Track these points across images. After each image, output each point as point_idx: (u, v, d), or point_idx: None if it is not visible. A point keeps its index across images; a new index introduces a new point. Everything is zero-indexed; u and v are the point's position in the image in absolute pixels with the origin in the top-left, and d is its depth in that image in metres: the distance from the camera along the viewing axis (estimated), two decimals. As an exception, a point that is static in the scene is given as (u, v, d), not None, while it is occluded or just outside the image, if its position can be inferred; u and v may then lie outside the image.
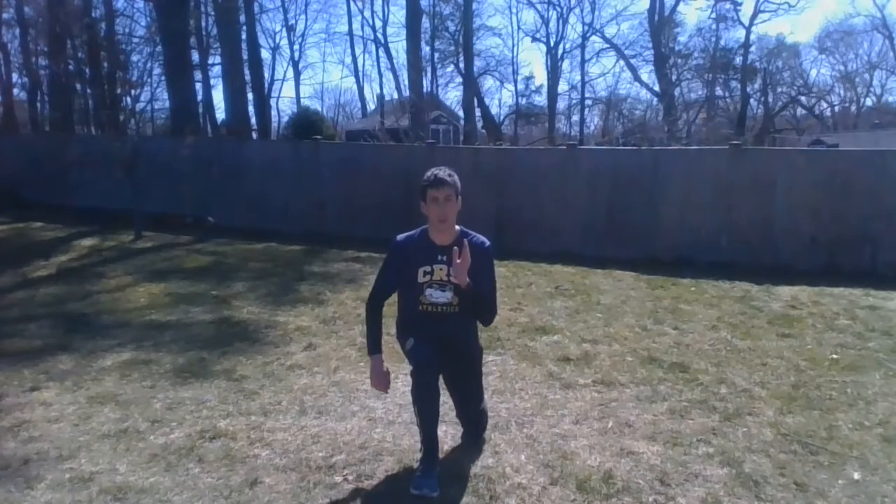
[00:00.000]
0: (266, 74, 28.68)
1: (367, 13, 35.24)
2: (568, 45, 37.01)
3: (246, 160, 10.98)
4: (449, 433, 3.27)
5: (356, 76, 51.57)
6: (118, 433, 3.25)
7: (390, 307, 3.02)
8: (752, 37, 34.51)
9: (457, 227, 2.91)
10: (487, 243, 2.92)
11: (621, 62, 36.43)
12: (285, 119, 32.13)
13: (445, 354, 2.86)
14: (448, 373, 2.98)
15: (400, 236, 2.98)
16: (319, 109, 34.86)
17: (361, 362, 4.32)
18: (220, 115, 24.43)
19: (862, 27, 36.95)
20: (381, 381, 2.90)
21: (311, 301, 6.08)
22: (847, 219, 7.77)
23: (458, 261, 2.68)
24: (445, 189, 2.78)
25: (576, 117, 39.12)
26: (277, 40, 43.97)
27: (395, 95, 30.60)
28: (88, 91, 22.13)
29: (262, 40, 28.71)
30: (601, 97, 39.42)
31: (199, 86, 20.97)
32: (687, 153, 9.89)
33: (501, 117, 38.30)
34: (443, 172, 2.83)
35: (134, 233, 9.83)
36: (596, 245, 8.59)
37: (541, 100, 38.15)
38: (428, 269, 2.84)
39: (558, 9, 35.33)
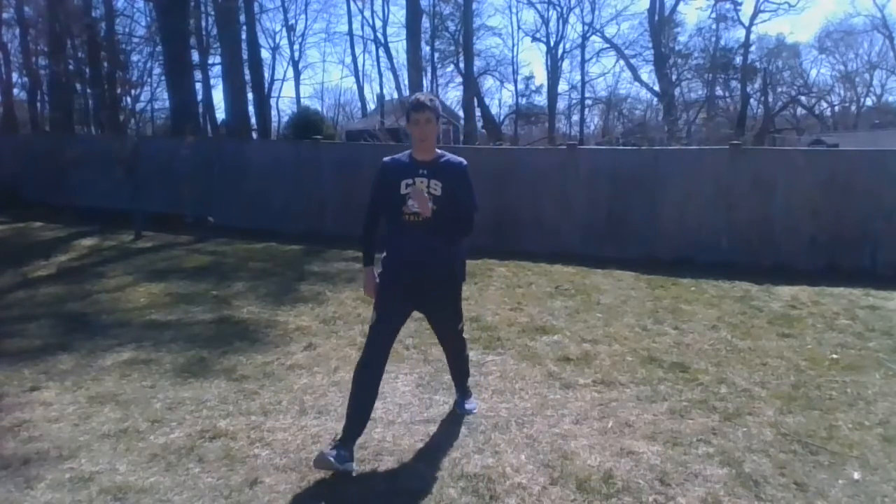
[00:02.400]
0: (266, 74, 28.71)
1: (367, 13, 35.35)
2: (568, 45, 37.10)
3: (246, 160, 10.97)
4: (449, 433, 3.28)
5: (356, 76, 51.71)
6: (118, 433, 3.25)
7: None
8: (752, 37, 34.57)
9: (437, 150, 3.19)
10: (464, 163, 3.21)
11: (621, 62, 36.50)
12: (285, 119, 32.13)
13: (417, 295, 3.15)
14: (424, 299, 3.22)
15: (386, 158, 3.26)
16: (319, 109, 34.87)
17: (361, 362, 4.32)
18: (220, 115, 24.45)
19: (862, 27, 37.02)
20: (373, 289, 3.20)
21: (311, 301, 6.08)
22: (847, 219, 7.77)
23: (416, 195, 3.00)
24: (426, 112, 3.07)
25: (576, 117, 39.20)
26: (277, 40, 44.04)
27: (395, 95, 30.60)
28: (88, 91, 22.14)
29: (262, 40, 28.75)
30: (601, 97, 39.51)
31: (199, 86, 20.99)
32: (687, 153, 9.89)
33: (501, 117, 38.37)
34: (424, 97, 3.14)
35: (134, 233, 9.83)
36: (596, 245, 8.59)
37: (541, 100, 38.23)
38: (410, 181, 3.08)
39: (558, 9, 35.41)
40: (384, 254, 3.20)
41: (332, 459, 2.76)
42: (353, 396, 2.97)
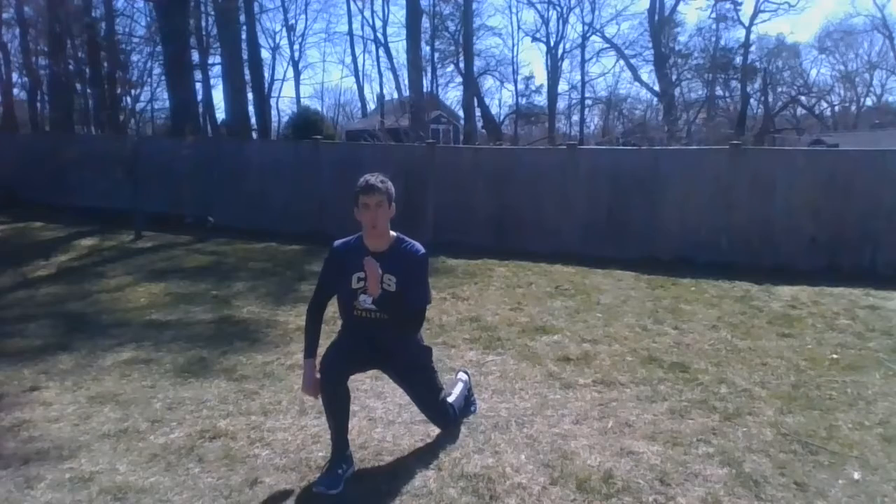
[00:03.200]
0: (266, 74, 28.70)
1: (367, 13, 35.39)
2: (568, 45, 37.08)
3: (246, 160, 10.98)
4: (449, 433, 3.27)
5: (356, 76, 51.74)
6: (118, 433, 3.25)
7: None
8: (752, 37, 34.59)
9: (393, 234, 2.93)
10: (422, 252, 2.92)
11: (621, 62, 36.51)
12: (285, 119, 32.17)
13: (378, 357, 3.00)
14: (391, 374, 3.15)
15: (337, 242, 3.01)
16: (319, 109, 34.95)
17: (361, 362, 4.32)
18: (220, 115, 24.45)
19: (862, 27, 37.05)
20: (312, 386, 2.90)
21: (311, 301, 6.07)
22: (847, 219, 7.77)
23: (367, 273, 2.77)
24: (376, 195, 2.78)
25: (576, 117, 39.19)
26: (277, 40, 44.07)
27: (395, 95, 30.66)
28: (88, 91, 22.13)
29: (262, 40, 28.74)
30: (601, 97, 39.50)
31: (199, 86, 21.01)
32: (687, 153, 9.90)
33: (501, 117, 38.34)
34: (374, 178, 2.81)
35: (134, 233, 9.83)
36: (596, 245, 8.59)
37: (541, 100, 38.21)
38: (361, 275, 2.84)
39: (558, 9, 35.40)
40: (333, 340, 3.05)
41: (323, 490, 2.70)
42: (327, 409, 2.88)
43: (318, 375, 2.86)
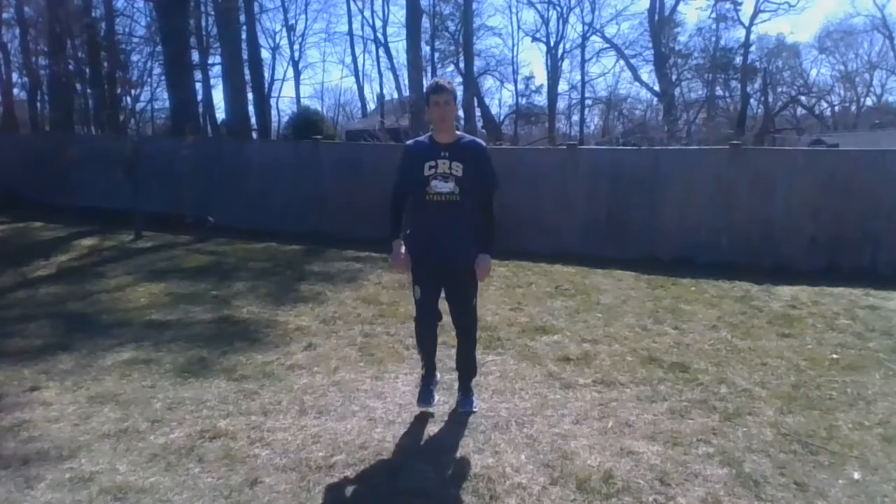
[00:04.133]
0: (266, 74, 28.65)
1: (367, 13, 35.27)
2: (568, 45, 37.00)
3: (246, 160, 10.98)
4: (449, 433, 3.28)
5: (356, 76, 51.64)
6: (118, 433, 3.25)
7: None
8: (752, 37, 34.51)
9: (458, 132, 3.37)
10: (483, 144, 3.45)
11: (621, 62, 36.44)
12: (285, 119, 32.11)
13: (442, 267, 3.35)
14: (447, 283, 3.43)
15: (409, 141, 3.52)
16: (319, 109, 34.89)
17: (361, 362, 4.32)
18: (220, 115, 24.41)
19: (862, 27, 36.95)
20: (401, 263, 3.37)
21: (311, 301, 6.08)
22: (847, 219, 7.77)
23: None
24: (444, 94, 3.25)
25: (576, 117, 39.12)
26: (277, 40, 43.97)
27: (395, 95, 30.62)
28: (88, 91, 22.12)
29: (262, 40, 28.71)
30: (601, 97, 39.44)
31: (199, 86, 20.98)
32: (687, 153, 9.89)
33: (501, 117, 38.30)
34: (443, 80, 3.36)
35: (134, 233, 9.83)
36: (596, 245, 8.59)
37: (541, 100, 38.15)
38: (433, 163, 3.24)
39: (558, 9, 35.33)
40: (408, 230, 3.41)
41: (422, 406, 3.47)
42: (420, 344, 3.55)
43: (404, 254, 3.34)
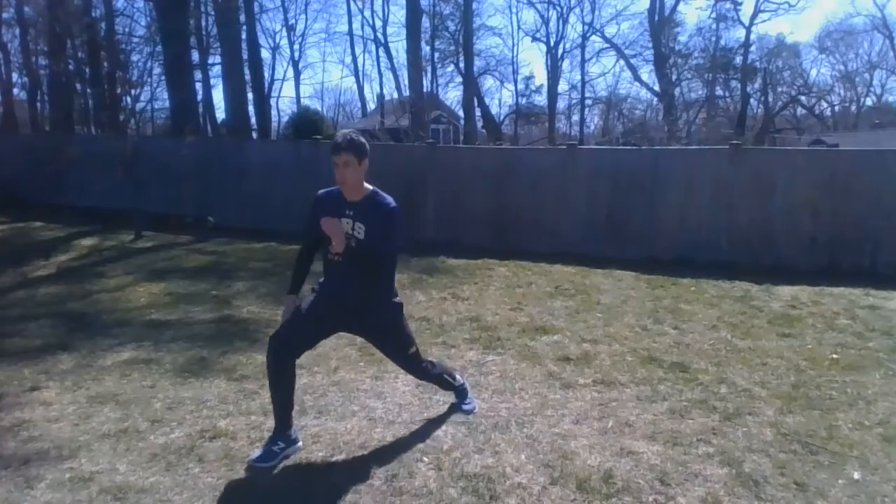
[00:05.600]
0: (266, 74, 28.65)
1: (367, 13, 35.41)
2: (568, 45, 36.98)
3: (246, 160, 10.98)
4: (449, 433, 3.28)
5: (356, 76, 51.64)
6: (118, 433, 3.25)
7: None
8: (752, 36, 34.50)
9: (369, 187, 3.06)
10: (392, 205, 3.05)
11: (621, 62, 36.42)
12: (285, 119, 32.04)
13: (347, 317, 3.13)
14: (360, 333, 3.31)
15: (321, 191, 3.21)
16: (319, 109, 34.79)
17: (361, 362, 4.32)
18: (220, 115, 24.42)
19: (862, 27, 36.96)
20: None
21: (311, 301, 6.07)
22: (847, 219, 7.78)
23: (331, 229, 2.92)
24: (342, 154, 2.93)
25: (576, 117, 39.12)
26: (277, 40, 44.05)
27: (395, 95, 30.59)
28: (88, 91, 22.10)
29: (262, 40, 28.71)
30: (601, 97, 39.42)
31: (199, 86, 20.96)
32: (687, 153, 9.89)
33: (501, 117, 38.28)
34: (342, 138, 2.98)
35: (134, 232, 9.83)
36: (596, 245, 8.59)
37: (541, 100, 38.12)
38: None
39: (558, 8, 35.29)
40: (318, 284, 3.21)
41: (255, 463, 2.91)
42: (270, 385, 3.06)
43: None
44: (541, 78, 64.77)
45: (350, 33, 37.23)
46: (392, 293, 3.22)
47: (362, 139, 3.01)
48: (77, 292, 6.40)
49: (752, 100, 35.55)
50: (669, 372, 4.23)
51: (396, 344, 3.28)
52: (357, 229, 3.00)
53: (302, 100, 39.04)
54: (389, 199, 3.06)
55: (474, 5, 28.37)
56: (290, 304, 3.14)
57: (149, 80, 24.56)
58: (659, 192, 8.49)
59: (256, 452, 2.97)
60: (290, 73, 47.04)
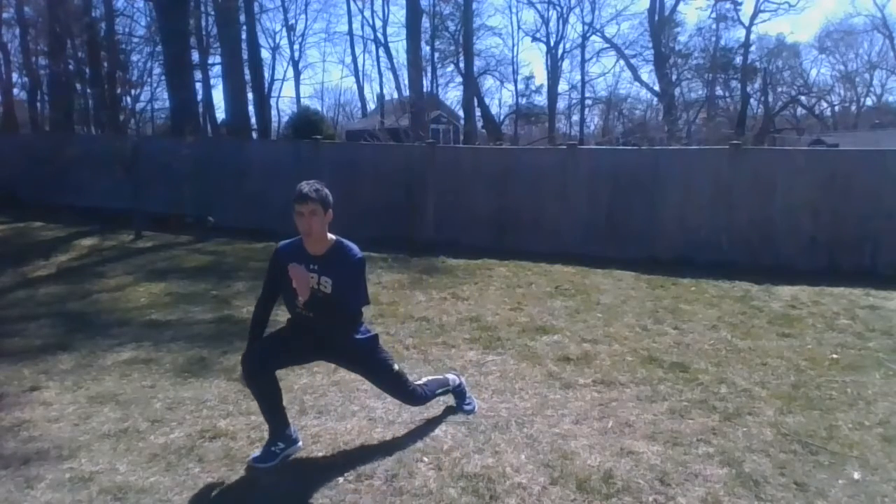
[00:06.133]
0: (266, 74, 28.68)
1: (367, 13, 35.46)
2: (568, 45, 37.03)
3: (246, 160, 10.97)
4: (449, 433, 3.28)
5: (356, 76, 51.66)
6: (118, 433, 3.25)
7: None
8: (752, 36, 34.55)
9: (332, 237, 2.97)
10: (358, 256, 2.96)
11: (621, 62, 36.45)
12: (285, 119, 32.11)
13: (322, 351, 3.10)
14: (340, 364, 3.30)
15: (282, 243, 3.09)
16: (319, 109, 34.87)
17: (361, 362, 4.32)
18: (220, 115, 24.45)
19: (862, 27, 37.01)
20: None
21: (311, 301, 6.07)
22: (847, 219, 7.77)
23: (294, 279, 2.77)
24: (309, 204, 2.85)
25: (576, 117, 39.17)
26: (277, 40, 44.07)
27: (395, 95, 30.62)
28: (88, 91, 22.09)
29: (262, 40, 28.73)
30: (601, 97, 39.47)
31: (199, 86, 20.98)
32: (687, 153, 9.89)
33: (501, 117, 38.33)
34: (308, 187, 2.89)
35: (134, 232, 9.83)
36: (596, 245, 8.59)
37: (541, 100, 38.19)
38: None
39: (558, 8, 35.34)
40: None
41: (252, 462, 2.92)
42: (256, 398, 3.04)
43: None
44: (541, 78, 64.77)
45: (350, 33, 37.22)
46: (361, 331, 3.15)
47: (327, 190, 2.94)
48: (77, 292, 6.40)
49: (752, 100, 35.61)
50: (669, 372, 4.23)
51: (377, 366, 3.17)
52: (323, 283, 2.88)
53: (302, 100, 39.12)
54: (356, 250, 2.97)
55: (474, 5, 28.40)
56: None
57: (149, 80, 24.53)
58: (659, 192, 8.49)
59: (256, 452, 2.98)
60: (290, 73, 47.12)
